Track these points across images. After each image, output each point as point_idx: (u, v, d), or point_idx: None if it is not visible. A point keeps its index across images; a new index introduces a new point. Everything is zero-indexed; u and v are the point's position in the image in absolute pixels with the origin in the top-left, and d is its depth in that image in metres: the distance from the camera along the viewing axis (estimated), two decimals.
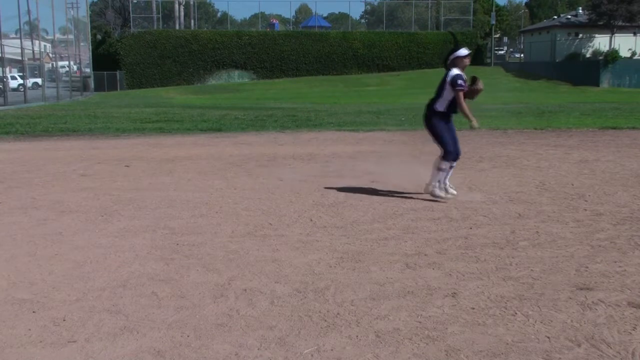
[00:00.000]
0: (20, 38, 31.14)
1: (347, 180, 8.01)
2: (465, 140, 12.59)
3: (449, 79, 6.53)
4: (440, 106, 6.65)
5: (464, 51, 6.65)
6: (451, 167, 6.81)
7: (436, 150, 6.91)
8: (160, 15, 53.21)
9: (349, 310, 3.62)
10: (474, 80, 6.72)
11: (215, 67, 50.21)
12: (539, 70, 49.12)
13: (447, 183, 6.87)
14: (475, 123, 6.59)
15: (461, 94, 6.49)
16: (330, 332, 3.32)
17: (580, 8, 54.99)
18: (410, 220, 5.83)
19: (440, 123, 6.70)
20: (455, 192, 6.88)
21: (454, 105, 6.61)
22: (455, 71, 6.53)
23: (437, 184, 6.78)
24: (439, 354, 3.06)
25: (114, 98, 36.18)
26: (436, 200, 6.68)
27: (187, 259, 4.63)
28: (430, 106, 6.75)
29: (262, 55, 50.98)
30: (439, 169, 6.73)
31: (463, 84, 6.48)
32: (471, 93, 6.73)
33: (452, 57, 6.65)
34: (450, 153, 6.70)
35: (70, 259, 4.63)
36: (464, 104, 6.54)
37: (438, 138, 6.74)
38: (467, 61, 6.64)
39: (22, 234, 5.38)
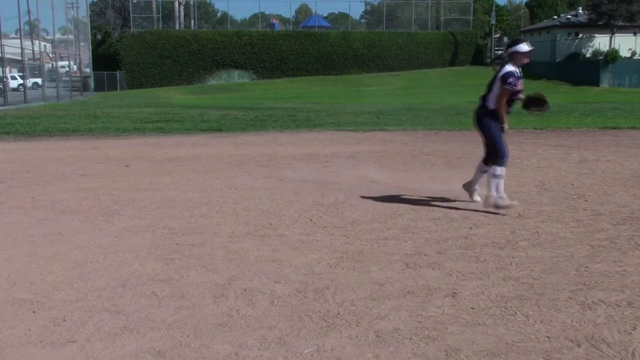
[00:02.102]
0: (20, 38, 31.14)
1: (347, 180, 8.00)
2: (466, 140, 12.61)
3: (500, 74, 6.00)
4: (492, 103, 6.10)
5: (524, 47, 6.06)
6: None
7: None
8: (160, 15, 53.20)
9: (349, 310, 3.62)
10: (540, 100, 6.31)
11: (215, 67, 50.20)
12: (539, 70, 49.05)
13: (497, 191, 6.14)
14: (506, 126, 6.10)
15: (505, 94, 5.98)
16: (330, 332, 3.32)
17: (580, 8, 54.91)
18: (410, 220, 5.83)
19: (491, 123, 6.13)
20: (479, 199, 6.40)
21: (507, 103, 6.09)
22: (508, 67, 6.01)
23: (496, 194, 6.06)
24: (439, 354, 3.06)
25: (114, 98, 36.18)
26: (471, 207, 6.45)
27: (187, 259, 4.62)
28: (482, 103, 6.20)
29: (262, 55, 50.96)
30: (494, 176, 6.08)
31: (513, 82, 5.94)
32: (527, 104, 6.32)
33: (510, 50, 6.10)
34: (503, 157, 6.09)
35: (70, 259, 4.63)
36: (503, 104, 6.00)
37: (490, 140, 6.18)
38: (525, 59, 6.09)
39: (22, 234, 5.38)
